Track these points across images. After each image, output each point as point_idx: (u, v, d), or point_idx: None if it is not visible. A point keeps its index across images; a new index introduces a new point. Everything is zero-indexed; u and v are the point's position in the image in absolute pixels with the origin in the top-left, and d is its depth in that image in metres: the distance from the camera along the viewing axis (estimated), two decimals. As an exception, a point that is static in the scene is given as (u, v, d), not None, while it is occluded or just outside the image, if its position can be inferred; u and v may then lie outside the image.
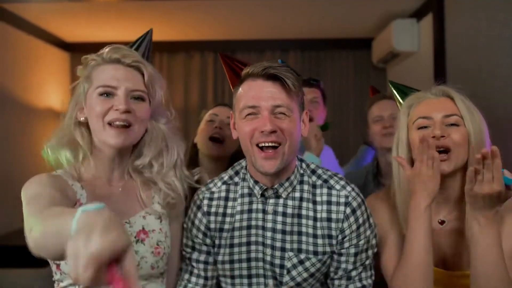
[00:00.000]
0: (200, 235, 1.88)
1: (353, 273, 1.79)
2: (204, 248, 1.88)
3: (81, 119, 1.72)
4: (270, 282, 1.82)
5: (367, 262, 1.82)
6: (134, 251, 1.62)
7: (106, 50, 1.73)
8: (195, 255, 1.90)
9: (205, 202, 1.89)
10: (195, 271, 1.89)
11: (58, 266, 1.64)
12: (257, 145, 1.70)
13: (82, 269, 0.93)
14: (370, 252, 1.82)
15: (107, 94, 1.66)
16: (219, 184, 1.92)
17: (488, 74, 3.39)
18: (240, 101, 1.74)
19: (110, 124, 1.64)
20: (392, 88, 2.11)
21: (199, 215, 1.88)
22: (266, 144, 1.69)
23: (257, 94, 1.69)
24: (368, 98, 3.10)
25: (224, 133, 2.60)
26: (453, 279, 1.76)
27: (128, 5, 4.64)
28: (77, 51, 6.00)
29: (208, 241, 1.87)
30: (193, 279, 1.89)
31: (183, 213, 1.93)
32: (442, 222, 1.86)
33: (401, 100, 2.01)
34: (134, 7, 4.68)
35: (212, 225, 1.86)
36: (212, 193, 1.91)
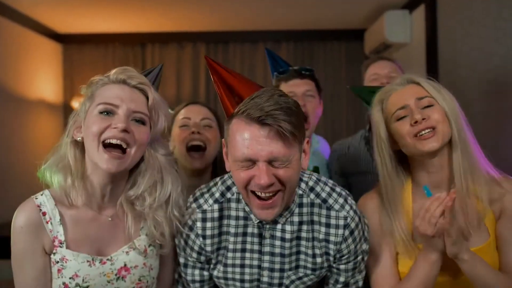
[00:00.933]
0: (195, 254, 1.80)
1: (351, 281, 1.82)
2: (199, 265, 1.83)
3: (78, 138, 1.65)
4: None
5: (362, 267, 1.84)
6: (115, 287, 1.64)
7: (113, 71, 1.67)
8: (189, 274, 1.85)
9: (199, 224, 1.78)
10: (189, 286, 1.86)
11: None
12: (253, 191, 1.60)
13: None
14: (365, 261, 1.83)
15: (107, 112, 1.59)
16: (211, 202, 1.79)
17: (481, 64, 3.40)
18: (233, 141, 1.59)
19: (105, 146, 1.57)
20: (356, 92, 2.14)
21: (192, 236, 1.79)
22: (263, 195, 1.59)
23: (253, 144, 1.54)
24: (364, 61, 2.99)
25: (203, 138, 2.33)
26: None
27: (120, -4, 4.63)
28: (69, 42, 5.98)
29: (202, 258, 1.81)
30: None
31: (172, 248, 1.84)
32: None
33: (367, 99, 2.02)
34: (126, -2, 4.67)
35: (209, 248, 1.78)
36: (205, 212, 1.78)
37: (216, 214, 1.77)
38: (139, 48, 6.08)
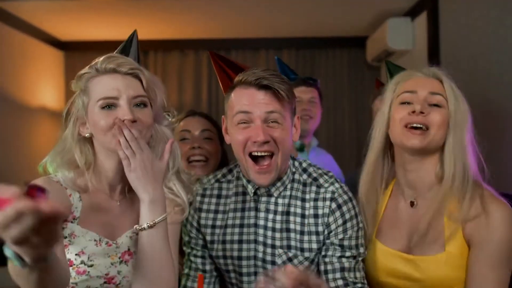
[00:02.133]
0: (194, 231, 1.92)
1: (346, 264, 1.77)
2: (200, 242, 1.91)
3: (86, 135, 1.67)
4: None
5: (357, 260, 1.79)
6: (117, 271, 1.65)
7: (99, 60, 1.66)
8: (192, 250, 1.92)
9: (198, 198, 1.93)
10: (193, 265, 1.91)
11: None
12: (250, 154, 1.73)
13: None
14: (359, 250, 1.80)
15: (109, 106, 1.60)
16: (212, 181, 1.96)
17: (482, 72, 3.39)
18: (233, 107, 1.76)
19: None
20: (386, 67, 2.13)
21: (191, 211, 1.91)
22: (259, 154, 1.73)
23: (250, 101, 1.72)
24: (372, 91, 3.18)
25: (205, 152, 2.37)
26: (411, 262, 1.75)
27: (122, 3, 4.63)
28: (71, 49, 5.98)
29: (201, 236, 1.90)
30: (192, 273, 1.91)
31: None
32: (412, 204, 1.85)
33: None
34: (129, 5, 4.66)
35: (203, 221, 1.90)
36: (205, 189, 1.94)
37: (215, 192, 1.93)
38: (141, 55, 6.02)
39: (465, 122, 1.76)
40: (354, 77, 6.03)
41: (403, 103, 1.79)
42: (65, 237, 1.63)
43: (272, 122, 1.72)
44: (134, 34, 1.96)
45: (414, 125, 1.73)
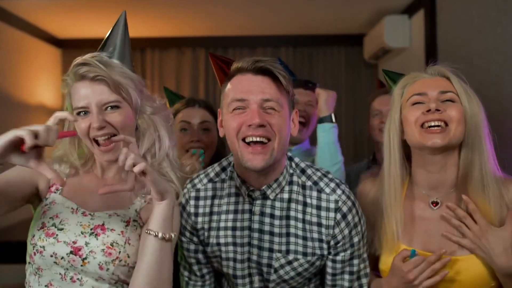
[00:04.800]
0: (187, 234, 1.86)
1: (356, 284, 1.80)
2: (192, 247, 1.87)
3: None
4: (256, 278, 1.81)
5: (362, 271, 1.81)
6: (85, 242, 1.65)
7: (72, 65, 1.73)
8: (186, 252, 1.88)
9: (192, 202, 1.84)
10: (190, 267, 1.90)
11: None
12: (244, 139, 1.64)
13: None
14: (363, 257, 1.80)
15: (83, 112, 1.68)
16: (205, 181, 1.86)
17: (480, 70, 3.40)
18: (228, 95, 1.69)
19: (96, 141, 1.68)
20: (385, 76, 2.08)
21: (184, 215, 1.84)
22: (254, 139, 1.62)
23: (246, 87, 1.64)
24: (372, 92, 3.12)
25: (203, 144, 2.44)
26: (456, 263, 1.71)
27: (120, 1, 4.62)
28: (69, 47, 5.97)
29: (195, 239, 1.85)
30: (193, 277, 1.90)
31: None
32: (435, 204, 1.80)
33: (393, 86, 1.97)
34: (126, 2, 4.65)
35: (199, 225, 1.83)
36: (198, 191, 1.85)
37: (209, 193, 1.84)
38: (138, 53, 6.07)
39: (481, 117, 1.73)
40: (351, 74, 6.05)
41: (414, 104, 1.76)
42: (46, 205, 1.73)
43: (269, 109, 1.63)
44: (122, 15, 2.03)
45: (432, 123, 1.68)
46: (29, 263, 1.72)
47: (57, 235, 1.64)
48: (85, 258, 1.63)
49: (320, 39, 6.04)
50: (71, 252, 1.63)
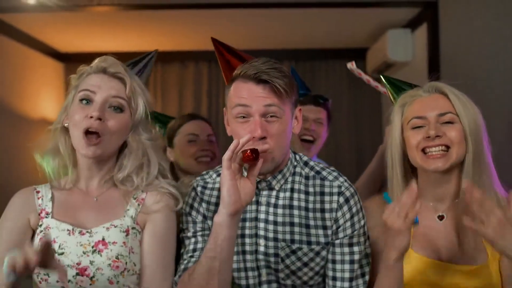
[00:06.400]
0: (194, 213, 1.89)
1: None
2: (200, 233, 1.87)
3: (65, 125, 1.79)
4: (264, 271, 1.82)
5: (364, 261, 1.81)
6: (90, 261, 1.64)
7: (95, 61, 1.81)
8: (189, 243, 1.86)
9: (199, 189, 1.91)
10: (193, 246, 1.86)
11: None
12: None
13: None
14: (364, 247, 1.81)
15: (87, 100, 1.72)
16: (214, 176, 1.93)
17: (483, 84, 3.39)
18: (232, 100, 1.75)
19: (85, 133, 1.69)
20: (385, 82, 2.12)
21: (190, 200, 1.91)
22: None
23: (248, 94, 1.70)
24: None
25: (211, 153, 2.62)
26: (449, 271, 1.74)
27: (123, 16, 4.64)
28: (71, 61, 5.95)
29: (198, 227, 1.87)
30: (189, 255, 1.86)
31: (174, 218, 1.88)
32: (441, 218, 1.84)
33: (394, 95, 2.02)
34: (129, 17, 4.68)
35: (204, 211, 1.88)
36: (206, 183, 1.92)
37: (217, 185, 1.89)
38: (140, 67, 6.04)
39: (480, 132, 1.76)
40: (353, 88, 6.01)
41: (414, 128, 1.79)
42: (41, 232, 1.72)
43: (271, 116, 1.70)
44: (152, 53, 2.05)
45: (433, 149, 1.72)
46: None
47: (59, 260, 1.62)
48: (93, 277, 1.63)
49: (323, 53, 6.03)
50: (77, 274, 1.63)
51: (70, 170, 1.83)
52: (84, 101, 1.72)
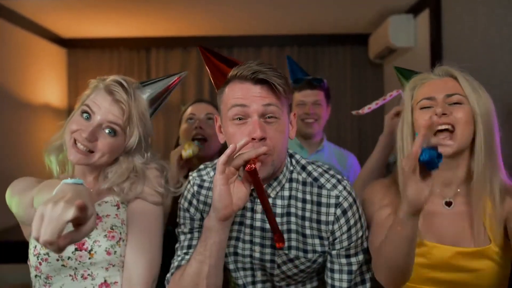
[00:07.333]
0: (187, 215, 1.89)
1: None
2: (195, 229, 1.88)
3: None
4: (258, 273, 1.84)
5: (364, 269, 1.81)
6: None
7: (110, 77, 1.82)
8: (184, 239, 1.88)
9: (195, 188, 1.89)
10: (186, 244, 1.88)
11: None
12: None
13: (44, 229, 1.09)
14: (363, 256, 1.80)
15: (87, 115, 1.77)
16: (212, 174, 1.89)
17: (485, 70, 3.39)
18: (227, 101, 1.68)
19: (75, 141, 1.76)
20: (397, 73, 2.14)
21: (189, 196, 1.90)
22: None
23: (245, 95, 1.64)
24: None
25: (205, 132, 2.61)
26: (455, 255, 1.74)
27: (125, 1, 4.62)
28: (74, 46, 5.98)
29: (195, 224, 1.88)
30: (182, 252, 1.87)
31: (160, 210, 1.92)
32: (449, 204, 1.84)
33: (405, 83, 2.03)
34: (131, 2, 4.66)
35: (201, 206, 1.87)
36: (203, 181, 1.89)
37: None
38: (144, 52, 6.07)
39: (491, 115, 1.77)
40: (356, 74, 6.03)
41: (423, 108, 1.81)
42: None
43: (269, 117, 1.63)
44: (180, 76, 2.12)
45: (439, 127, 1.73)
46: (36, 276, 1.73)
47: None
48: (91, 250, 1.69)
49: (325, 39, 6.03)
50: (76, 250, 1.68)
51: (69, 167, 1.93)
52: (84, 115, 1.77)
